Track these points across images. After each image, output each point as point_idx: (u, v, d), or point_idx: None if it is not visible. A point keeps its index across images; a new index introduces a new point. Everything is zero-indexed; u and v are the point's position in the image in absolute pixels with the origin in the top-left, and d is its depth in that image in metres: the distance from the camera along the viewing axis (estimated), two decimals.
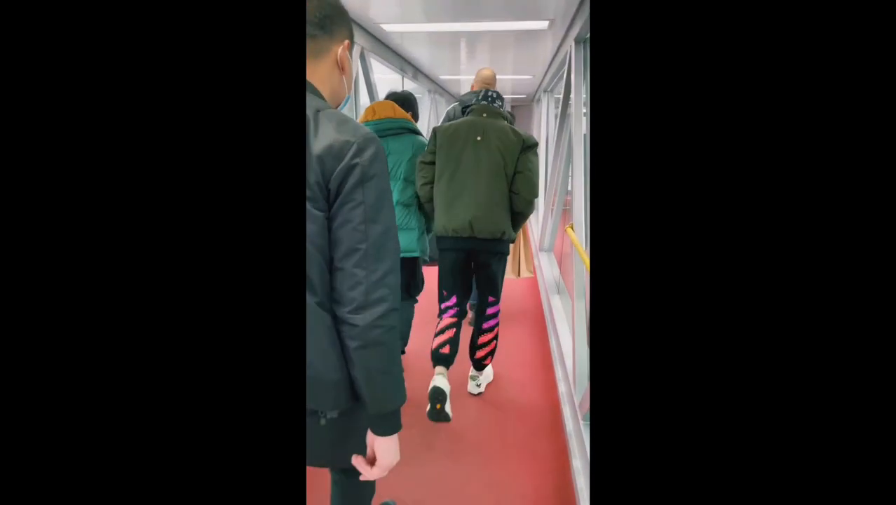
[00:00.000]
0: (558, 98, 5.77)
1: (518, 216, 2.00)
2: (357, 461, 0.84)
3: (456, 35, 3.22)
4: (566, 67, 2.92)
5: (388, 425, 0.82)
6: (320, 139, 0.73)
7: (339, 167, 0.73)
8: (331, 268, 0.76)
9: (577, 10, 2.35)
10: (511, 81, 5.84)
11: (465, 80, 5.71)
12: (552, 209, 3.76)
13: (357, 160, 0.74)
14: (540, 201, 4.91)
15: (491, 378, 2.35)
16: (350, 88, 0.90)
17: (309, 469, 0.91)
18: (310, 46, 0.80)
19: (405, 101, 2.23)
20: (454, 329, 2.05)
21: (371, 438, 0.84)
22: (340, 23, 0.83)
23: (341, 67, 0.85)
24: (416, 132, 2.17)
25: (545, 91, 5.50)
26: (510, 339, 2.82)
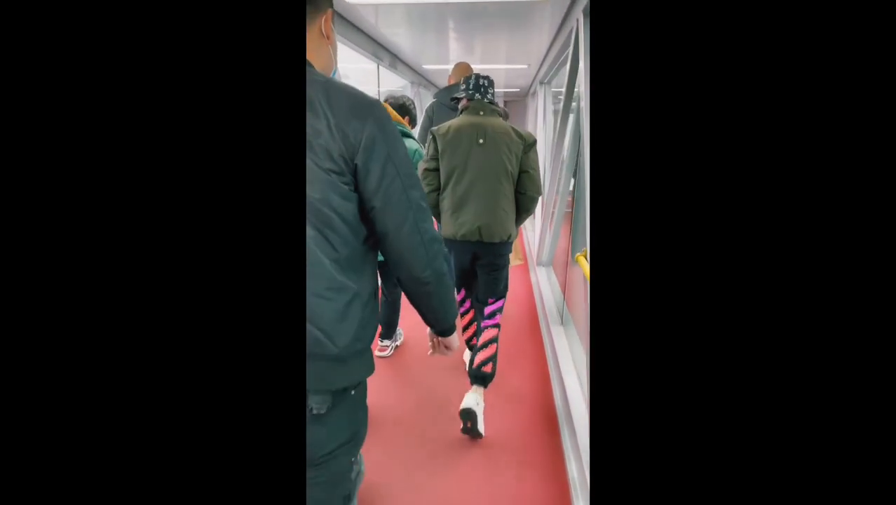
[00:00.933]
0: (556, 92, 5.28)
1: (523, 214, 1.99)
2: (433, 347, 1.09)
3: (442, 12, 2.67)
4: (571, 48, 2.39)
5: (451, 329, 1.02)
6: (336, 112, 0.75)
7: (363, 143, 0.76)
8: (371, 232, 0.83)
9: None
10: (504, 72, 5.28)
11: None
12: (551, 220, 3.22)
13: (379, 133, 0.77)
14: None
15: (483, 407, 1.94)
16: (336, 58, 0.91)
17: None
18: None
19: (401, 106, 2.26)
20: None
21: (437, 338, 1.05)
22: None
23: (326, 36, 0.86)
24: (410, 136, 2.19)
25: (542, 83, 4.95)
26: (502, 388, 2.27)
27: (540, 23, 2.91)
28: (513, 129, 1.91)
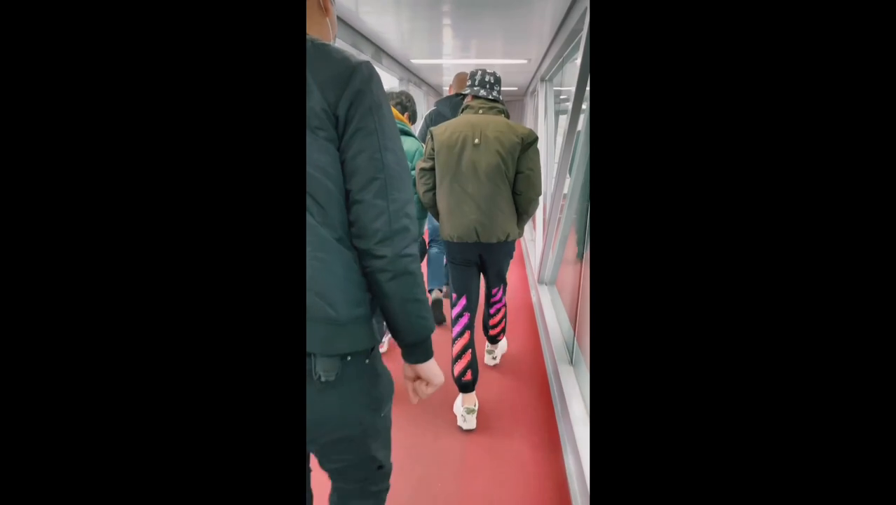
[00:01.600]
0: (558, 90, 4.92)
1: (522, 215, 1.94)
2: (410, 390, 0.89)
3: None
4: (583, 35, 2.00)
5: (425, 352, 0.84)
6: (320, 66, 0.71)
7: (347, 92, 0.72)
8: (347, 200, 0.75)
9: None
10: (501, 69, 4.90)
11: (449, 67, 4.77)
12: (556, 236, 2.84)
13: (365, 86, 0.73)
14: (536, 216, 4.02)
15: (505, 349, 2.60)
16: (335, 32, 0.89)
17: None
18: None
19: (399, 103, 2.24)
20: (470, 351, 2.00)
21: (412, 369, 0.86)
22: None
23: (325, 9, 0.85)
24: (410, 134, 2.16)
25: (543, 80, 4.56)
26: (501, 455, 1.88)
27: (541, 13, 2.53)
28: (510, 126, 1.83)
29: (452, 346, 2.02)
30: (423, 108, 6.22)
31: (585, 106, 2.22)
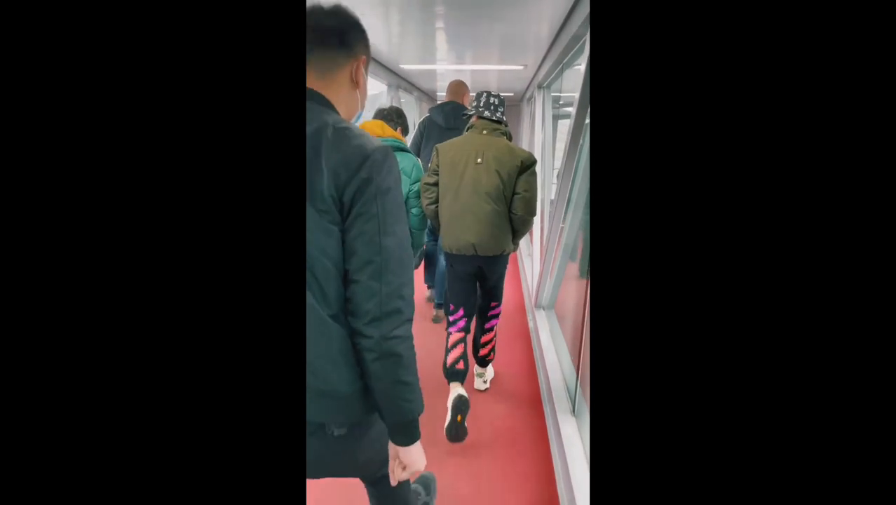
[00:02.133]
0: (556, 96, 4.68)
1: (517, 233, 2.06)
2: (391, 469, 0.89)
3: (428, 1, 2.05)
4: (587, 38, 1.76)
5: (408, 435, 0.83)
6: (334, 152, 0.74)
7: (354, 180, 0.74)
8: (345, 280, 0.78)
9: None
10: (497, 74, 4.67)
11: (442, 73, 4.53)
12: (553, 261, 2.59)
13: (372, 174, 0.74)
14: (533, 231, 3.79)
15: (492, 375, 2.50)
16: (363, 104, 0.90)
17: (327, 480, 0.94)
18: (327, 61, 0.82)
19: (386, 117, 2.28)
20: (462, 344, 2.15)
21: (394, 449, 0.85)
22: (359, 38, 0.85)
23: (356, 82, 0.86)
24: (406, 150, 2.19)
25: (540, 87, 4.32)
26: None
27: (539, 16, 2.29)
28: (511, 148, 1.95)
29: (447, 338, 2.16)
30: (416, 115, 5.98)
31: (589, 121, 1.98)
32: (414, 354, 0.79)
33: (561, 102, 4.24)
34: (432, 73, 4.69)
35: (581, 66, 1.93)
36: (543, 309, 2.95)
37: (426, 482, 1.61)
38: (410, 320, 0.78)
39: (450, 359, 2.12)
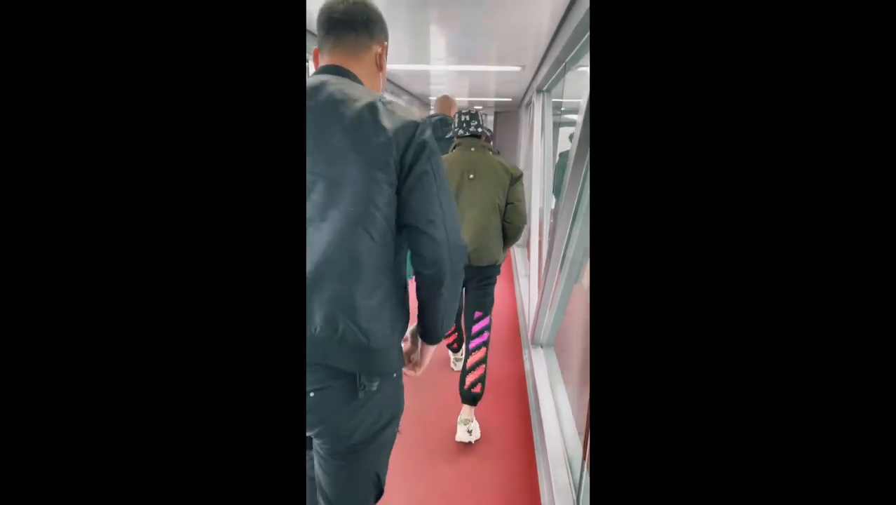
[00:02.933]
0: (557, 102, 4.29)
1: (509, 240, 2.17)
2: (407, 369, 1.10)
3: None
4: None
5: (434, 337, 1.06)
6: (390, 120, 0.87)
7: (413, 143, 0.88)
8: (400, 228, 0.92)
9: None
10: (494, 77, 4.30)
11: (436, 73, 4.15)
12: (553, 295, 2.19)
13: (425, 137, 0.90)
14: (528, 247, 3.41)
15: (479, 435, 2.18)
16: (384, 85, 1.05)
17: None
18: (354, 44, 0.96)
19: None
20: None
21: (418, 346, 1.11)
22: (381, 26, 0.99)
23: (380, 66, 1.00)
24: None
25: (539, 91, 3.94)
26: None
27: (536, 7, 1.91)
28: (500, 164, 2.11)
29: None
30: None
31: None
32: (458, 287, 0.99)
33: (563, 109, 3.87)
34: (423, 76, 4.32)
35: (585, 68, 1.55)
36: (541, 347, 2.55)
37: None
38: (461, 262, 0.96)
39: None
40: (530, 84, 4.34)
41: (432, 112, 3.19)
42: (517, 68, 3.51)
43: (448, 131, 2.87)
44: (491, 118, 8.05)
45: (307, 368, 0.88)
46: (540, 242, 3.15)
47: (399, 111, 0.89)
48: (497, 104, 6.92)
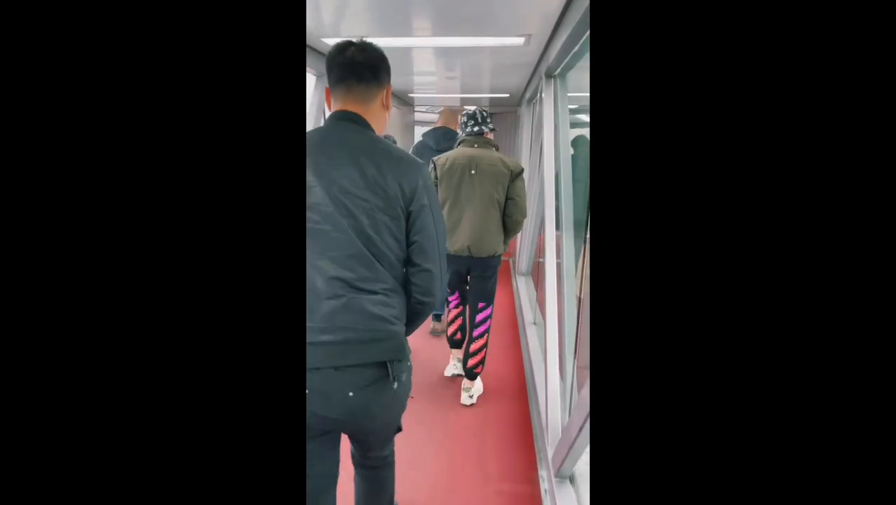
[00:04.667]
0: (572, 97, 3.34)
1: (509, 233, 2.38)
2: None
3: None
4: None
5: (414, 328, 1.30)
6: (394, 166, 1.09)
7: (416, 194, 1.10)
8: (408, 254, 1.16)
9: None
10: (488, 68, 3.35)
11: (421, 71, 3.25)
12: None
13: (424, 181, 1.12)
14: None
15: (481, 391, 2.68)
16: (386, 124, 1.23)
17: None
18: (365, 93, 1.14)
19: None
20: (461, 318, 2.68)
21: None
22: (387, 70, 1.17)
23: (386, 106, 1.20)
24: None
25: (550, 76, 2.93)
26: None
27: None
28: (501, 160, 2.32)
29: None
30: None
31: None
32: (433, 305, 1.23)
33: (577, 107, 2.95)
34: (408, 71, 3.39)
35: None
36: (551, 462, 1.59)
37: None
38: (442, 288, 1.21)
39: (450, 330, 2.77)
40: (535, 69, 3.35)
41: (437, 124, 3.37)
42: (520, 41, 2.53)
43: (452, 143, 2.93)
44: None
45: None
46: (559, 293, 2.22)
47: (403, 156, 1.13)
48: (492, 102, 5.92)
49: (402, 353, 1.16)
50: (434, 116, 6.59)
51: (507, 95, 5.15)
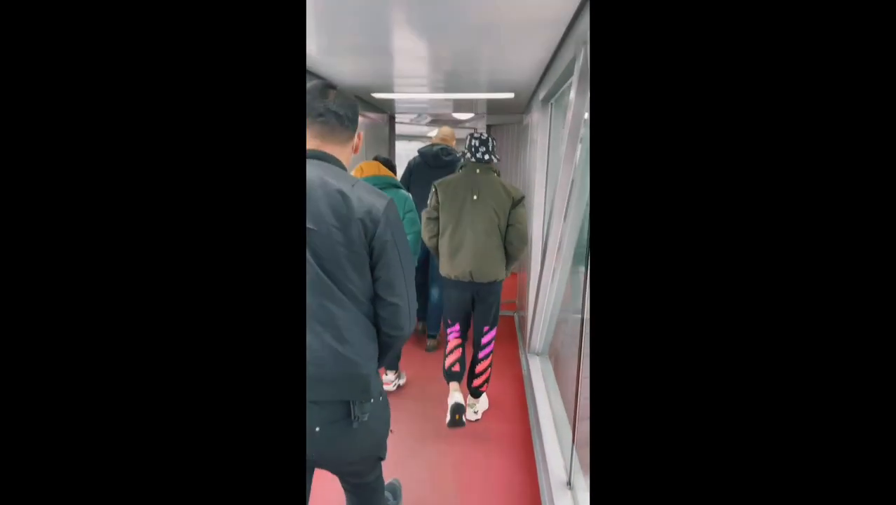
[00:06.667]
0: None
1: (511, 259, 2.37)
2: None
3: None
4: None
5: (390, 364, 2.16)
6: (360, 205, 1.08)
7: (378, 230, 1.09)
8: (374, 289, 1.14)
9: None
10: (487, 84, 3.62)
11: (400, 99, 3.54)
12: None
13: (388, 223, 1.11)
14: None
15: (486, 406, 2.61)
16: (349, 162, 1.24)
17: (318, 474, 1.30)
18: (342, 136, 1.18)
19: (386, 161, 2.57)
20: (460, 349, 2.51)
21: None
22: (357, 117, 1.21)
23: (355, 149, 1.24)
24: (399, 187, 2.49)
25: (545, 101, 2.72)
26: None
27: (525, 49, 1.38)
28: (503, 186, 2.28)
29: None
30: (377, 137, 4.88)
31: None
32: (403, 337, 1.20)
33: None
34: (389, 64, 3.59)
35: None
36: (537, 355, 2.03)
37: (394, 489, 1.87)
38: (411, 319, 1.19)
39: (447, 362, 2.50)
40: (534, 91, 3.16)
41: (434, 142, 3.34)
42: (509, 95, 2.93)
43: (449, 159, 3.07)
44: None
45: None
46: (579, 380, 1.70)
47: (369, 193, 1.11)
48: (489, 107, 5.64)
49: (365, 393, 1.13)
50: (421, 129, 5.86)
51: (511, 96, 5.00)
